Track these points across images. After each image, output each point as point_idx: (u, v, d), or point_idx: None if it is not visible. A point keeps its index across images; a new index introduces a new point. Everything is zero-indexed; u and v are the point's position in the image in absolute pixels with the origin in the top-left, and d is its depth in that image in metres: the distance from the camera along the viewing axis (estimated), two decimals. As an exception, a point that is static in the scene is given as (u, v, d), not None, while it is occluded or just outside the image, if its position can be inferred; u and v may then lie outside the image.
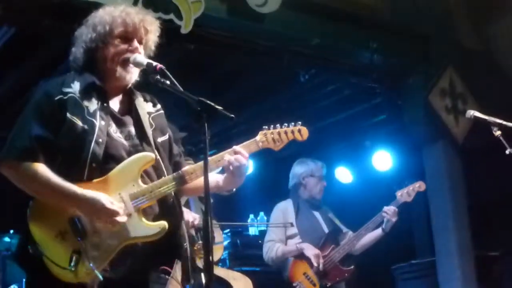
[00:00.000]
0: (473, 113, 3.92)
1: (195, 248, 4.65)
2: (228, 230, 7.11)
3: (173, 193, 2.88)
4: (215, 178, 3.02)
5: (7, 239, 6.84)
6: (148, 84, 2.93)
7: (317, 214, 5.72)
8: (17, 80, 6.69)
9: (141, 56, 2.87)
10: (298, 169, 5.80)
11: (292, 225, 5.51)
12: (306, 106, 7.72)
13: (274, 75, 7.01)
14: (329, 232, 5.58)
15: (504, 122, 3.81)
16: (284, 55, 6.16)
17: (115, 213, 2.67)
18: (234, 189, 3.07)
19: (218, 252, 5.08)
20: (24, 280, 6.30)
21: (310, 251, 5.35)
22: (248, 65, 6.77)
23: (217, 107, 2.61)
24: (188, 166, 2.95)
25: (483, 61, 7.23)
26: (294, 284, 5.33)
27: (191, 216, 4.57)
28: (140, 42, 2.92)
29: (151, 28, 2.96)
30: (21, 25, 5.37)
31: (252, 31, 5.79)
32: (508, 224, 6.92)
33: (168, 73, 2.74)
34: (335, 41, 6.36)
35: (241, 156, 2.92)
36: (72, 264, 2.59)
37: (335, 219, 5.78)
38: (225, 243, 6.70)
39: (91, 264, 2.60)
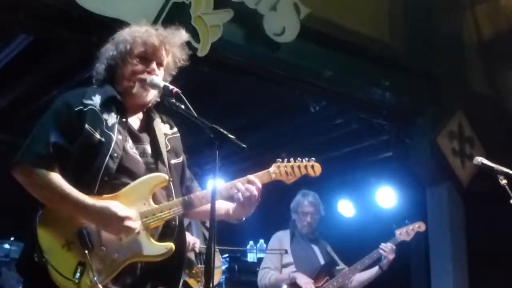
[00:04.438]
0: (480, 160, 3.90)
1: (194, 271, 4.65)
2: (226, 255, 7.10)
3: (177, 216, 2.85)
4: (226, 206, 2.98)
5: (6, 246, 6.84)
6: (163, 105, 2.95)
7: (315, 247, 5.71)
8: (29, 87, 6.73)
9: (158, 78, 2.86)
10: (292, 202, 5.82)
11: (286, 252, 5.49)
12: (314, 136, 7.72)
13: (284, 103, 7.02)
14: (325, 264, 5.56)
15: (511, 172, 3.81)
16: (297, 85, 6.21)
17: (126, 218, 2.63)
18: (244, 219, 3.02)
19: (216, 277, 5.08)
20: (20, 288, 6.33)
21: (303, 279, 5.33)
22: (259, 91, 6.78)
23: (229, 135, 2.61)
24: (199, 192, 2.93)
25: (493, 106, 7.28)
26: None
27: (192, 239, 4.58)
28: (160, 64, 2.91)
29: (173, 49, 2.95)
30: (40, 34, 5.40)
31: (267, 59, 5.82)
32: (505, 272, 6.88)
33: (183, 97, 2.71)
34: (348, 75, 6.41)
35: (253, 187, 2.88)
36: (77, 276, 2.55)
37: (333, 253, 5.77)
38: (223, 267, 6.68)
39: (95, 278, 2.57)
